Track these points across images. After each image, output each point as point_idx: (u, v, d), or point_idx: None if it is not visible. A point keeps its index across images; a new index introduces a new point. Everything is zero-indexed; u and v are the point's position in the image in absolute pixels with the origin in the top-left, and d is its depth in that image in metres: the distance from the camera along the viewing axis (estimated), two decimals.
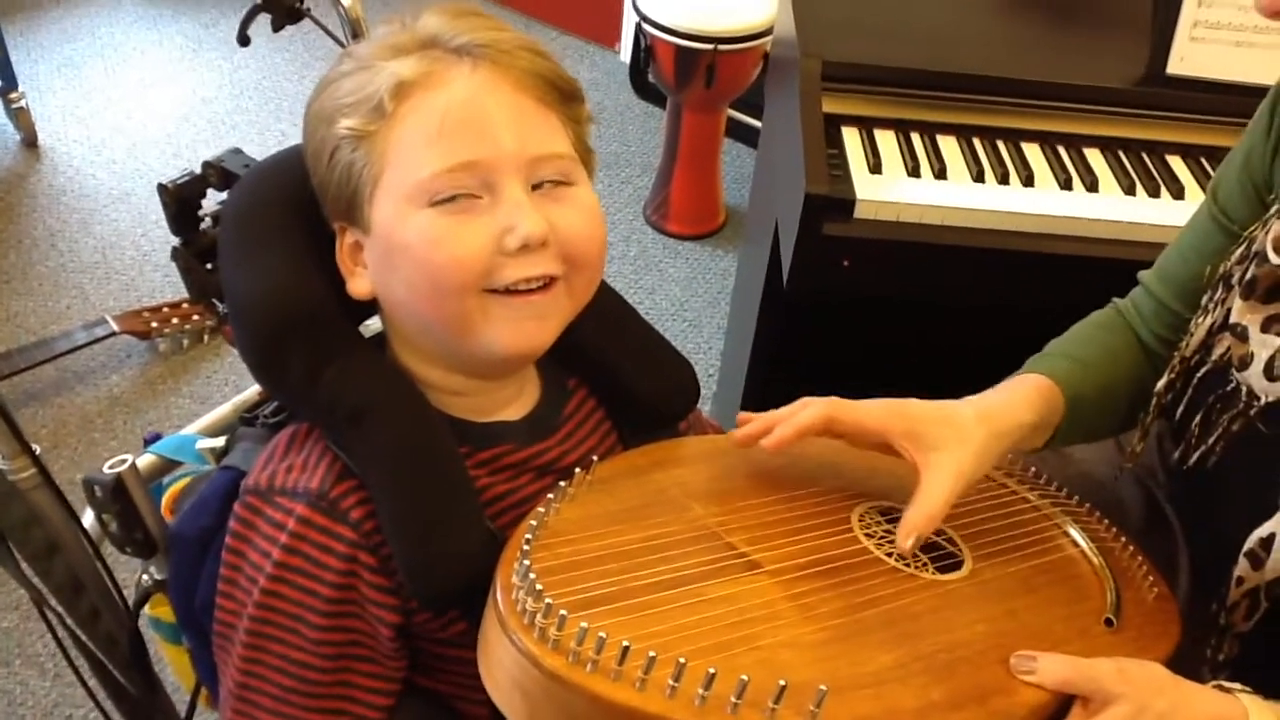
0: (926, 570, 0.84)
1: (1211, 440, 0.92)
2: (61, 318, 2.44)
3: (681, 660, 0.66)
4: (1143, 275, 1.09)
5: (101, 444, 2.19)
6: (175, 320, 2.36)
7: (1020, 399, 0.96)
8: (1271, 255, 0.85)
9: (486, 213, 0.79)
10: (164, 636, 1.10)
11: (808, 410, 0.88)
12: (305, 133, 0.85)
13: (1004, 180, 1.41)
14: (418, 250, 0.79)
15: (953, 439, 0.88)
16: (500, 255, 0.79)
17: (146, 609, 1.06)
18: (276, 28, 1.31)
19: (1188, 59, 1.46)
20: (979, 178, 1.41)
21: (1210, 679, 0.80)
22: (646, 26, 2.50)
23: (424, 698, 0.92)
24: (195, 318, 2.38)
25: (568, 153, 0.83)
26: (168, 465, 1.08)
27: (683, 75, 2.53)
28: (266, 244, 0.86)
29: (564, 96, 0.84)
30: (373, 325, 0.94)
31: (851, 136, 1.46)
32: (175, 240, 1.07)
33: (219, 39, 3.37)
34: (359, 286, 0.85)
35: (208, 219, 1.08)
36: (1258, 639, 0.89)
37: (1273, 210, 0.91)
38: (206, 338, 2.42)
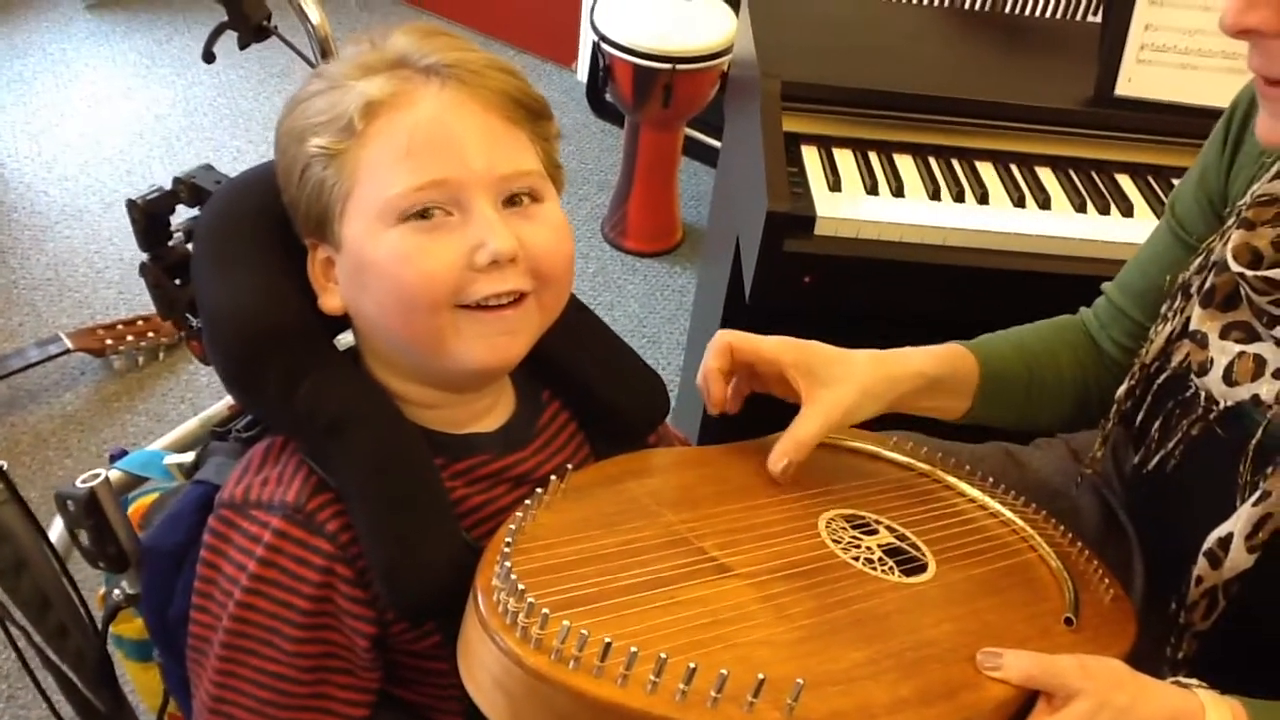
0: (893, 574, 0.86)
1: (1171, 444, 0.96)
2: (14, 335, 2.41)
3: (662, 656, 0.67)
4: (1106, 286, 1.14)
5: (55, 462, 2.17)
6: (130, 337, 2.34)
7: (923, 353, 1.02)
8: (1231, 263, 0.88)
9: (457, 230, 0.80)
10: (127, 654, 1.10)
11: (710, 354, 0.97)
12: (277, 150, 0.86)
13: (959, 198, 1.45)
14: (388, 267, 0.80)
15: (841, 376, 0.94)
16: (470, 271, 0.80)
17: (110, 626, 1.06)
18: (243, 45, 1.31)
19: (1135, 80, 1.50)
20: (935, 195, 1.45)
21: (1170, 676, 0.83)
22: (604, 46, 2.53)
23: (399, 708, 0.92)
24: (151, 335, 2.36)
25: (536, 169, 0.85)
26: (134, 481, 1.07)
27: (640, 94, 2.56)
28: (242, 259, 0.87)
29: (532, 114, 0.85)
30: (346, 340, 0.95)
31: (811, 155, 1.49)
32: (132, 257, 1.07)
33: (172, 56, 3.35)
34: (331, 302, 0.86)
35: (177, 234, 1.08)
36: (1215, 638, 0.92)
37: (1229, 222, 0.94)
38: (162, 355, 2.40)
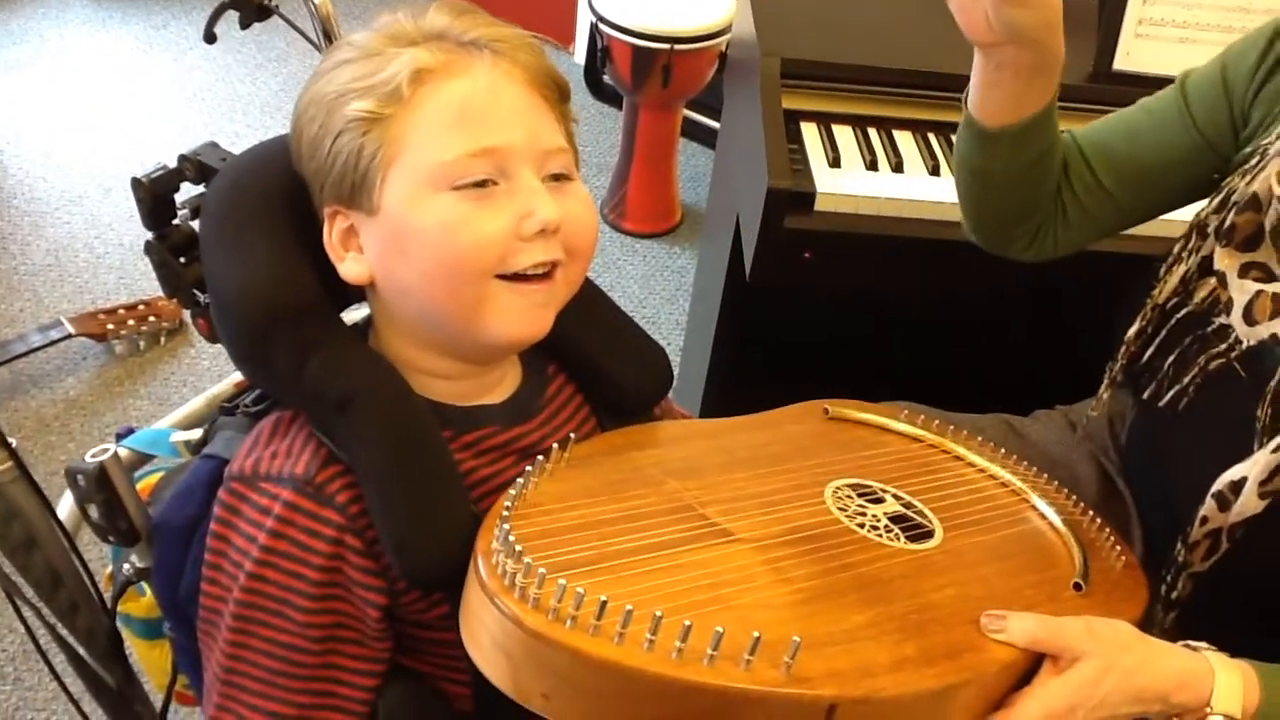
0: (899, 540, 0.87)
1: (1186, 380, 0.96)
2: (15, 321, 2.42)
3: (658, 614, 0.68)
4: (1077, 134, 1.11)
5: (59, 446, 2.18)
6: (132, 322, 2.34)
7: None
8: (1276, 186, 0.88)
9: (503, 198, 0.82)
10: (135, 632, 1.11)
11: None
12: (298, 120, 0.86)
13: None
14: (436, 233, 0.81)
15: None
16: (516, 240, 0.82)
17: (118, 604, 1.07)
18: (245, 25, 1.32)
19: (1133, 55, 1.51)
20: (935, 171, 1.45)
21: (1161, 615, 0.84)
22: (602, 26, 2.53)
23: (408, 678, 0.93)
24: (152, 319, 2.36)
25: (568, 148, 0.87)
26: (141, 459, 1.08)
27: (639, 75, 2.56)
28: (252, 235, 0.87)
29: (561, 94, 0.88)
30: (351, 316, 0.96)
31: (811, 132, 1.50)
32: (132, 241, 1.08)
33: (169, 41, 3.35)
34: (353, 269, 0.86)
35: (182, 213, 1.08)
36: (1211, 583, 0.93)
37: (1253, 161, 0.94)
38: (164, 339, 2.40)
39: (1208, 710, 0.80)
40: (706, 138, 3.04)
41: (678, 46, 2.47)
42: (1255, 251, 0.92)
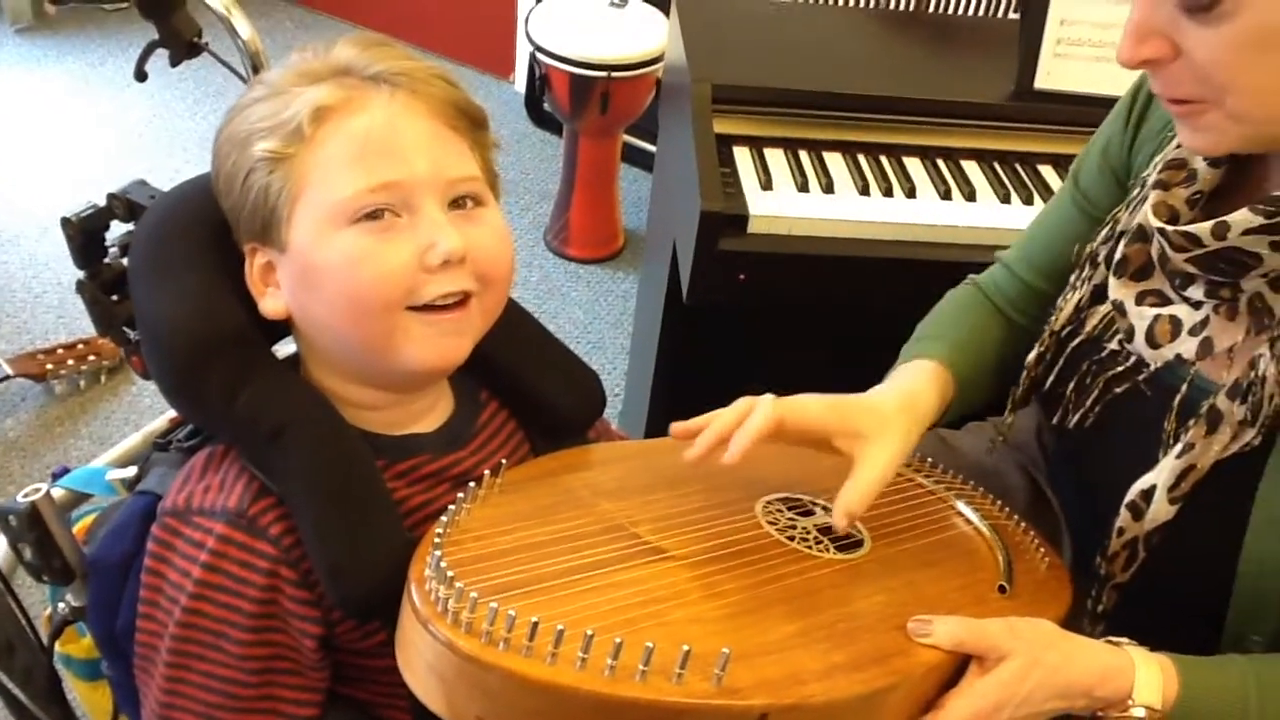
0: (828, 551, 0.89)
1: (1089, 402, 0.99)
2: None
3: (589, 633, 0.69)
4: (1003, 256, 1.17)
5: None
6: (71, 361, 2.32)
7: (927, 386, 1.03)
8: (1151, 220, 0.91)
9: (406, 231, 0.83)
10: (76, 673, 1.10)
11: (758, 416, 0.89)
12: (216, 158, 0.87)
13: (888, 193, 1.48)
14: (340, 269, 0.82)
15: (881, 429, 0.94)
16: (421, 272, 0.82)
17: (57, 646, 1.06)
18: (175, 63, 1.32)
19: (1053, 74, 1.55)
20: (864, 191, 1.48)
21: (1089, 630, 0.86)
22: (541, 56, 2.55)
23: (347, 707, 0.93)
24: (91, 358, 2.34)
25: (478, 175, 0.88)
26: (77, 498, 1.08)
27: (578, 103, 2.58)
28: (180, 269, 0.88)
29: (473, 123, 0.89)
30: (284, 350, 0.96)
31: (743, 155, 1.52)
32: (69, 280, 1.07)
33: (106, 78, 3.33)
34: (271, 306, 0.88)
35: (112, 250, 1.08)
36: (1135, 592, 0.96)
37: (1135, 193, 0.98)
38: (104, 377, 2.38)
39: (1130, 703, 0.82)
40: (648, 163, 3.07)
41: (615, 74, 2.50)
42: (1149, 280, 0.95)
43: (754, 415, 0.90)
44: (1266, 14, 0.75)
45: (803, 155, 1.54)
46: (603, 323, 2.68)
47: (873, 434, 0.94)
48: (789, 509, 0.94)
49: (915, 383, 1.03)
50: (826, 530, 0.92)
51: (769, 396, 0.92)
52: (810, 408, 0.93)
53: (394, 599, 0.80)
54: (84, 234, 1.06)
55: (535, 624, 0.69)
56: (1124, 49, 0.82)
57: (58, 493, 1.02)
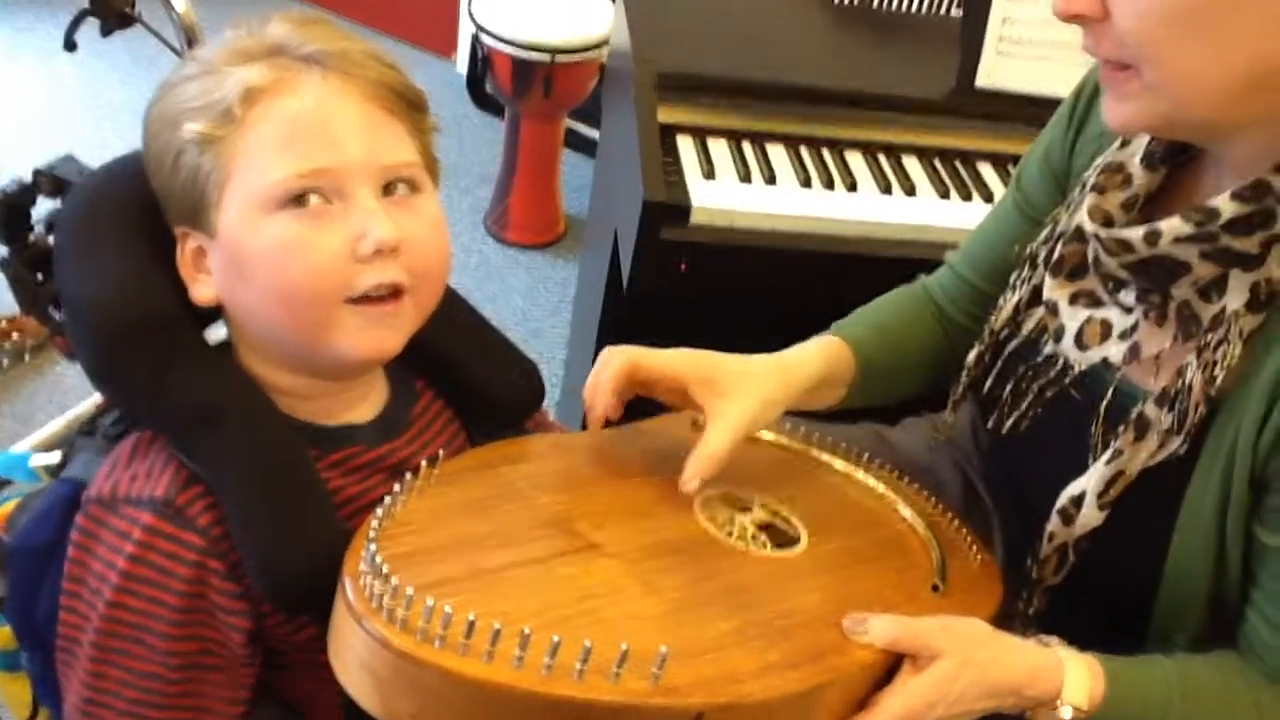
0: (765, 548, 0.89)
1: (1024, 407, 1.00)
2: None
3: (527, 631, 0.68)
4: (949, 257, 1.19)
5: None
6: None
7: (811, 354, 1.06)
8: (1086, 224, 0.92)
9: (338, 219, 0.80)
10: None
11: (609, 368, 0.95)
12: (146, 136, 0.85)
13: (829, 186, 1.49)
14: (271, 257, 0.80)
15: (743, 388, 0.96)
16: (353, 262, 0.80)
17: None
18: (106, 33, 1.28)
19: (994, 73, 1.56)
20: (806, 184, 1.49)
21: (1021, 632, 0.87)
22: (483, 37, 2.52)
23: (276, 704, 0.92)
24: (15, 335, 2.27)
25: (415, 160, 0.86)
26: None
27: (520, 86, 2.56)
28: (106, 247, 0.85)
29: (411, 106, 0.86)
30: (214, 335, 0.94)
31: (686, 145, 1.52)
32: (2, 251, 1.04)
33: (35, 45, 3.23)
34: (202, 293, 0.85)
35: (38, 228, 1.05)
36: (1065, 594, 0.97)
37: (1073, 195, 0.99)
38: (28, 356, 2.32)
39: (1059, 702, 0.83)
40: (590, 148, 3.05)
41: (558, 58, 2.48)
42: (1083, 280, 0.96)
43: (605, 368, 0.94)
44: None
45: (745, 146, 1.54)
46: (541, 309, 2.66)
47: (730, 390, 0.95)
48: (727, 505, 0.94)
49: (800, 351, 1.06)
50: (765, 526, 0.92)
51: (622, 346, 0.96)
52: (666, 356, 0.97)
53: (324, 592, 0.78)
54: (7, 210, 1.02)
55: (472, 621, 0.68)
56: (1057, 0, 0.82)
57: None
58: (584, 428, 0.98)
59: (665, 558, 0.83)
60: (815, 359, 1.05)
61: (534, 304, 2.68)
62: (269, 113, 0.80)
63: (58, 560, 0.87)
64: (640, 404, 1.03)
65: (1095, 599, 0.95)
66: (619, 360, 0.95)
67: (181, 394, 0.83)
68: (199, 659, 0.84)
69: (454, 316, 0.97)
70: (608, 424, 0.97)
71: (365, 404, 0.92)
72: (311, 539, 0.81)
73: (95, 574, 0.83)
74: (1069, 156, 1.05)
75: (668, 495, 0.91)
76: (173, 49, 1.29)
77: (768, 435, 1.07)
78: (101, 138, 2.93)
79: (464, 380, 0.97)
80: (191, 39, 1.27)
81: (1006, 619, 0.94)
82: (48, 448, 1.09)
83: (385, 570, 0.71)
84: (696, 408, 0.96)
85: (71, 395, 2.26)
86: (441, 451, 0.89)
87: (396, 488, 0.82)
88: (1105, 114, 0.86)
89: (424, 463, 0.85)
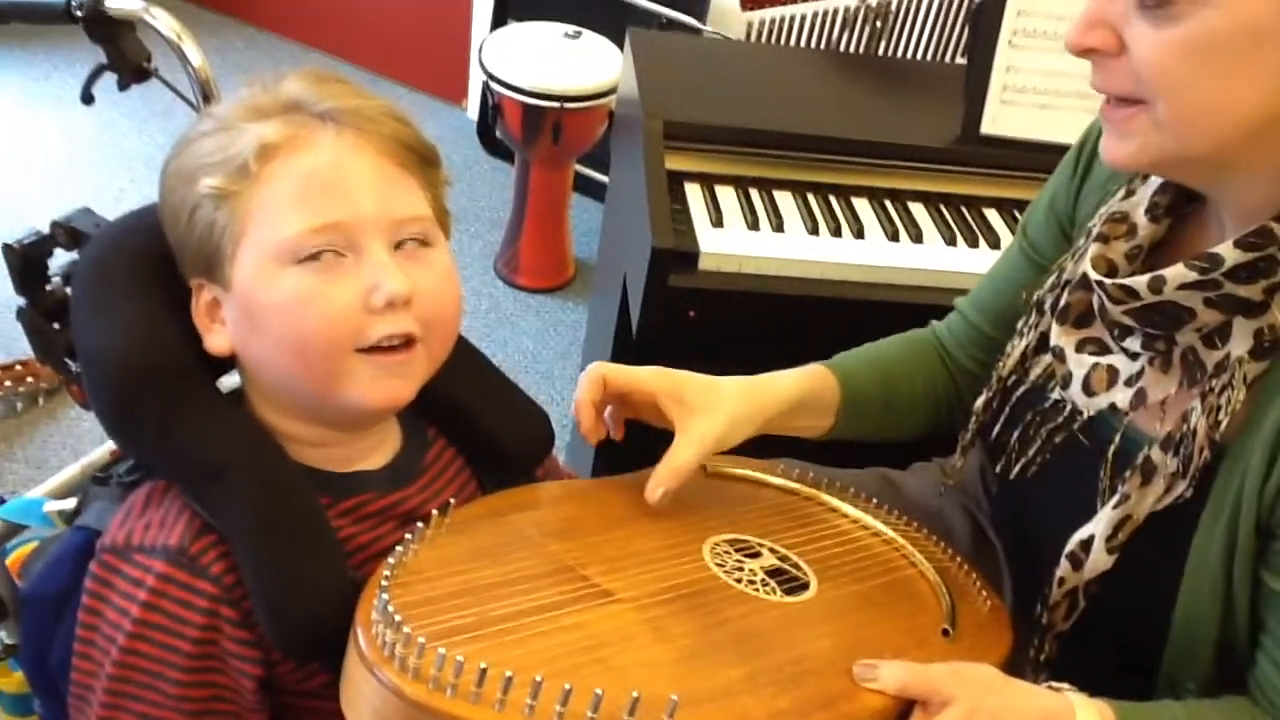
0: (775, 594, 0.89)
1: (1032, 452, 1.01)
2: None
3: (538, 679, 0.69)
4: (959, 303, 1.20)
5: None
6: (8, 383, 2.26)
7: (788, 377, 1.07)
8: (1091, 273, 0.93)
9: (351, 272, 0.82)
10: (5, 708, 1.08)
11: (582, 386, 0.99)
12: (163, 190, 0.86)
13: (836, 233, 1.50)
14: (286, 310, 0.81)
15: (711, 404, 0.98)
16: (366, 314, 0.82)
17: None
18: (123, 87, 1.30)
19: (999, 120, 1.58)
20: (814, 230, 1.50)
21: (1033, 678, 0.87)
22: (494, 85, 2.55)
23: None
24: (30, 380, 2.29)
25: (427, 214, 0.87)
26: (12, 529, 1.06)
27: (530, 132, 2.59)
28: (120, 300, 0.86)
29: (423, 161, 0.88)
30: (227, 382, 0.95)
31: (694, 192, 1.53)
32: (7, 300, 1.06)
33: (51, 95, 3.28)
34: (216, 343, 0.87)
35: (55, 279, 1.07)
36: (1076, 640, 0.97)
37: (1079, 242, 1.00)
38: (42, 400, 2.33)
39: None
40: (599, 193, 3.08)
41: (568, 105, 2.51)
42: (1089, 328, 0.97)
43: (580, 388, 0.99)
44: (1212, 25, 0.77)
45: (753, 193, 1.55)
46: (552, 353, 2.68)
47: (700, 407, 0.97)
48: (736, 550, 0.94)
49: (778, 375, 1.07)
50: (774, 573, 0.92)
51: (596, 362, 1.00)
52: (636, 369, 1.00)
53: (336, 640, 0.79)
54: (25, 261, 1.04)
55: (484, 670, 0.69)
56: (1072, 33, 0.84)
57: None
58: (594, 474, 0.99)
59: (675, 604, 0.84)
60: (789, 383, 1.07)
61: (544, 347, 2.69)
62: (284, 168, 0.82)
63: (72, 608, 0.87)
64: (644, 438, 1.03)
65: (1106, 645, 0.95)
66: (593, 371, 1.00)
67: (193, 445, 0.84)
68: (211, 705, 0.84)
69: (466, 365, 0.98)
70: (613, 450, 1.01)
71: (378, 452, 0.93)
72: (322, 587, 0.82)
73: (109, 621, 0.84)
74: (1074, 204, 1.06)
75: (677, 541, 0.92)
76: (189, 102, 1.31)
77: (777, 480, 1.07)
78: (118, 187, 2.96)
79: (475, 428, 0.98)
80: (207, 93, 1.30)
81: (1017, 666, 0.94)
82: (62, 494, 1.10)
83: (398, 619, 0.72)
84: (668, 422, 0.98)
85: (85, 440, 2.27)
86: (452, 500, 0.89)
87: (408, 536, 0.83)
88: (1104, 151, 0.87)
89: (435, 511, 0.86)
